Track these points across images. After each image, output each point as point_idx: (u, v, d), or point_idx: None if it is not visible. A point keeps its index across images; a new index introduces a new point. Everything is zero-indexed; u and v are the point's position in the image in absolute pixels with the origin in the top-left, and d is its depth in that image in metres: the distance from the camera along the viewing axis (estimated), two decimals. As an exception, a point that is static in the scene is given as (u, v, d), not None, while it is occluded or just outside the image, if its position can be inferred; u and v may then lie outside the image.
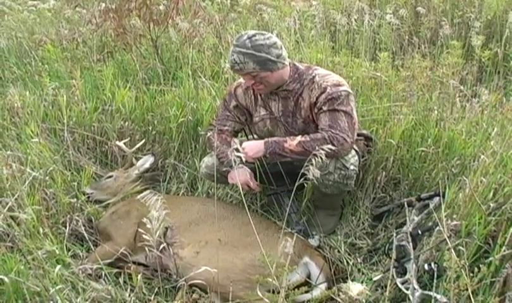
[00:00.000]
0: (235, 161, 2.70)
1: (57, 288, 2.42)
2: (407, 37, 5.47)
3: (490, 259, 2.38)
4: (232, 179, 3.34)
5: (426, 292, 2.36)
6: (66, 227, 3.25)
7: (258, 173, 3.25)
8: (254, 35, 3.15)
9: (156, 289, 2.88)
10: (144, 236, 2.49)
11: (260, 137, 3.48)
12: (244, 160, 2.98)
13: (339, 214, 3.64)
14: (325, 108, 3.15)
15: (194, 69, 5.01)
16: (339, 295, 2.32)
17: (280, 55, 3.18)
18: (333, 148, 2.95)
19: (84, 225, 3.32)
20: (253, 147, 3.22)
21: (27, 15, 7.38)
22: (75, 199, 3.53)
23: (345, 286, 1.93)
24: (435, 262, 2.50)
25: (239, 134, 3.72)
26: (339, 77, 3.30)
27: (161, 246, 2.64)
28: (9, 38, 6.56)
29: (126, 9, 5.33)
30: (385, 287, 2.59)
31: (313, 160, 2.43)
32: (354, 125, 3.17)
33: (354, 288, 1.88)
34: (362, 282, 2.89)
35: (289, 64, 3.29)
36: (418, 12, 6.07)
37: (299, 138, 3.13)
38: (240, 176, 3.17)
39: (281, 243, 2.24)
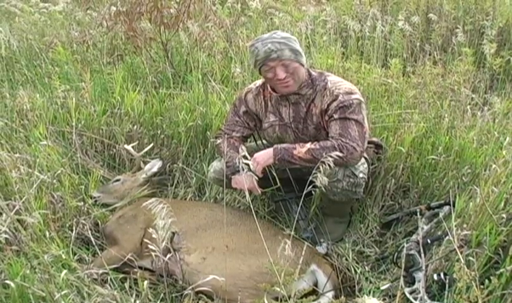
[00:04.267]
0: (243, 168, 2.69)
1: (63, 293, 2.40)
2: (418, 44, 5.43)
3: (501, 270, 2.34)
4: (237, 184, 3.33)
5: (435, 303, 2.34)
6: (72, 231, 3.23)
7: (266, 179, 3.23)
8: (275, 32, 3.22)
9: (162, 295, 2.87)
10: (149, 245, 2.47)
11: (269, 143, 3.47)
12: (253, 168, 2.98)
13: (347, 221, 3.61)
14: (336, 116, 3.13)
15: (204, 73, 5.01)
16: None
17: (303, 52, 3.22)
18: (342, 156, 2.94)
19: (90, 229, 3.32)
20: (263, 155, 3.22)
21: (38, 17, 7.40)
22: (82, 203, 3.53)
23: (360, 301, 1.89)
24: (444, 273, 2.47)
25: (248, 140, 3.70)
26: (351, 85, 3.28)
27: (168, 254, 2.62)
28: (20, 40, 6.57)
29: (136, 12, 5.33)
30: (393, 296, 2.56)
31: (321, 167, 2.41)
32: (365, 134, 3.14)
33: (370, 302, 1.85)
34: (370, 291, 2.87)
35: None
36: (430, 19, 6.05)
37: (308, 145, 3.11)
38: (246, 182, 3.14)
39: (280, 247, 2.22)
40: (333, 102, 3.16)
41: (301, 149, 3.11)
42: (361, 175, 3.20)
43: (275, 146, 3.21)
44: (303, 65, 3.22)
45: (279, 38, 3.14)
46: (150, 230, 2.41)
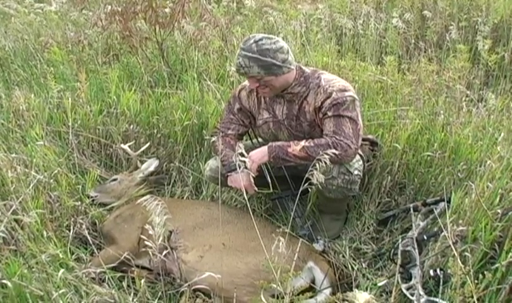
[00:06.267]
0: (239, 166, 2.70)
1: (61, 292, 2.41)
2: (413, 41, 5.45)
3: (497, 265, 2.36)
4: (232, 182, 3.33)
5: (431, 298, 2.34)
6: (69, 230, 3.24)
7: (262, 177, 3.24)
8: (261, 39, 3.14)
9: (159, 293, 2.88)
10: (147, 243, 2.47)
11: (265, 140, 3.48)
12: (249, 166, 2.99)
13: (343, 218, 3.63)
14: (330, 113, 3.14)
15: (199, 72, 5.02)
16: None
17: (286, 60, 3.16)
18: (337, 153, 2.94)
19: (88, 228, 3.31)
20: (258, 153, 3.22)
21: (33, 17, 7.38)
22: (79, 202, 3.53)
23: (351, 295, 1.91)
24: (440, 268, 2.48)
25: (244, 138, 3.71)
26: (345, 82, 3.28)
27: (165, 251, 2.62)
28: (15, 41, 6.56)
29: (132, 11, 5.33)
30: (390, 293, 2.57)
31: (317, 165, 2.42)
32: (359, 132, 3.15)
33: (361, 296, 1.86)
34: (367, 288, 2.88)
35: (296, 67, 3.28)
36: (425, 16, 6.06)
37: (303, 143, 3.12)
38: (243, 180, 3.15)
39: (279, 245, 2.23)
40: (327, 100, 3.16)
41: (296, 147, 3.12)
42: (356, 172, 3.21)
43: (269, 144, 3.22)
44: (281, 75, 3.18)
45: (255, 50, 3.09)
46: (147, 226, 2.42)
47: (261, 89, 3.25)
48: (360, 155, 3.28)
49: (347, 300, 1.97)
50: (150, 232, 2.40)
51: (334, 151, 2.80)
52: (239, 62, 3.14)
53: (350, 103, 3.13)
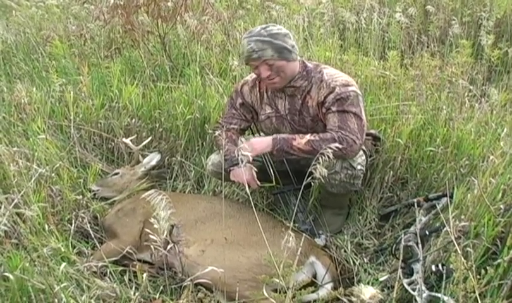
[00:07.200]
0: (241, 160, 2.69)
1: (62, 285, 2.41)
2: (416, 36, 5.43)
3: (499, 261, 2.35)
4: (235, 177, 3.32)
5: (433, 293, 2.34)
6: (71, 224, 3.24)
7: (264, 172, 3.23)
8: (267, 26, 3.16)
9: (161, 287, 2.89)
10: (150, 236, 2.47)
11: (267, 135, 3.46)
12: (251, 158, 2.98)
13: (345, 213, 3.62)
14: (334, 108, 3.13)
15: (202, 66, 5.01)
16: (348, 297, 2.31)
17: (294, 46, 3.18)
18: (341, 148, 2.94)
19: (89, 222, 3.31)
20: (261, 142, 3.22)
21: (35, 11, 7.39)
22: (81, 196, 3.53)
23: (357, 289, 1.90)
24: (442, 264, 2.47)
25: (246, 132, 3.70)
26: (348, 77, 3.27)
27: (168, 246, 2.62)
28: (17, 34, 6.57)
29: (134, 5, 5.32)
30: (392, 288, 2.57)
31: (320, 159, 2.41)
32: (363, 127, 3.14)
33: (367, 291, 1.85)
34: (368, 283, 2.87)
35: (299, 60, 3.28)
36: (428, 11, 6.04)
37: (308, 137, 3.11)
38: (245, 174, 3.14)
39: (284, 239, 2.22)
40: (330, 94, 3.15)
41: (301, 141, 3.11)
42: (359, 167, 3.20)
43: (274, 135, 3.21)
44: (291, 61, 3.19)
45: (266, 35, 3.10)
46: (152, 220, 2.42)
47: (271, 79, 3.21)
48: (363, 150, 3.28)
49: (352, 295, 1.96)
50: (155, 226, 2.39)
51: (339, 145, 2.80)
52: (250, 47, 3.11)
53: (354, 98, 3.12)
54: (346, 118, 3.10)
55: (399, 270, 2.46)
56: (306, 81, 3.27)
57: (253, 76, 3.50)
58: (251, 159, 2.91)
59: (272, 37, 3.10)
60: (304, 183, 2.45)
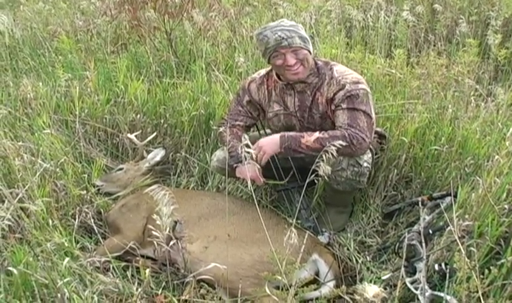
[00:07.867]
0: (245, 157, 2.69)
1: (65, 280, 2.42)
2: (423, 34, 5.41)
3: (502, 261, 2.35)
4: (240, 174, 3.32)
5: (436, 293, 2.33)
6: (75, 219, 3.25)
7: (268, 169, 3.23)
8: (282, 20, 3.21)
9: (164, 283, 2.89)
10: (154, 232, 2.48)
11: (274, 132, 3.45)
12: (259, 157, 2.98)
13: (349, 211, 3.62)
14: (344, 105, 3.13)
15: (208, 63, 5.01)
16: (351, 295, 2.30)
17: (309, 40, 3.22)
18: (351, 145, 2.95)
19: (93, 218, 3.33)
20: (269, 142, 3.21)
21: (42, 6, 7.41)
22: (85, 191, 3.54)
23: (361, 288, 1.90)
24: (445, 263, 2.47)
25: (251, 129, 3.70)
26: (358, 75, 3.27)
27: (171, 242, 2.63)
28: (24, 29, 6.58)
29: (141, 1, 5.34)
30: (395, 286, 2.56)
31: (324, 157, 2.41)
32: (373, 126, 3.15)
33: (370, 289, 1.85)
34: (371, 281, 2.87)
35: None
36: (435, 10, 6.01)
37: (317, 134, 3.10)
38: (249, 171, 3.13)
39: (287, 236, 2.22)
40: (340, 91, 3.14)
41: (310, 138, 3.10)
42: (365, 164, 3.20)
43: (281, 133, 3.20)
44: (310, 53, 3.21)
45: (288, 25, 3.13)
46: (154, 216, 2.42)
47: (295, 68, 3.19)
48: (369, 148, 3.27)
49: (356, 293, 1.96)
50: (158, 222, 2.40)
51: (349, 143, 2.80)
52: (278, 35, 3.10)
53: (364, 96, 3.12)
54: (355, 116, 3.09)
55: (402, 269, 2.45)
56: (316, 77, 3.27)
57: (261, 73, 3.51)
58: (263, 163, 2.93)
59: (295, 27, 3.15)
60: (308, 180, 2.45)
